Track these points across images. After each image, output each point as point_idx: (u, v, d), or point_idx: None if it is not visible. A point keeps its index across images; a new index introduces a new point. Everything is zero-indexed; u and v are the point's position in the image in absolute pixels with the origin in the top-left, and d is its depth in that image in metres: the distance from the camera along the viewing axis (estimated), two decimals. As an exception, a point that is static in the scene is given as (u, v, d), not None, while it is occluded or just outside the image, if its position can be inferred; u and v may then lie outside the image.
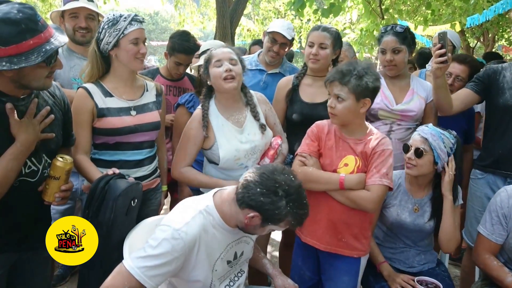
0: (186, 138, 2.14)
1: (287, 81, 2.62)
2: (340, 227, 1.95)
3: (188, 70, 3.13)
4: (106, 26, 2.02)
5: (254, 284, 2.39)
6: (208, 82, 2.14)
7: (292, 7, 4.74)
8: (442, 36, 2.29)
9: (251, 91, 2.28)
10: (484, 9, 6.49)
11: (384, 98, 2.49)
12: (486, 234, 2.04)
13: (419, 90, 2.56)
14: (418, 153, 2.05)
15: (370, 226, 2.06)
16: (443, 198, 2.08)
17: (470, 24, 7.20)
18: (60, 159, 1.65)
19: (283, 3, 10.50)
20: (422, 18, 7.58)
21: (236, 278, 1.77)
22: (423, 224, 2.12)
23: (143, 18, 2.15)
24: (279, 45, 2.96)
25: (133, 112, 2.10)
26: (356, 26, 9.35)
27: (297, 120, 2.45)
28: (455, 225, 2.06)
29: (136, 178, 2.03)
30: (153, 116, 2.17)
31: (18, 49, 1.39)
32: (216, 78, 2.06)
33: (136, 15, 2.08)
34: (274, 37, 2.96)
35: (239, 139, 2.11)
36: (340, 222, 1.95)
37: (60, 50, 2.51)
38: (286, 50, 3.05)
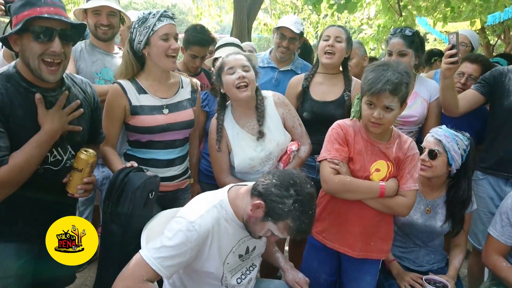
0: (213, 149, 2.18)
1: (298, 79, 2.66)
2: (370, 232, 1.95)
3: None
4: (136, 26, 2.05)
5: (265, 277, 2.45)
6: (222, 90, 2.15)
7: (309, 2, 4.75)
8: (454, 36, 2.28)
9: (270, 92, 2.29)
10: (505, 6, 6.36)
11: None
12: (495, 236, 2.06)
13: (422, 92, 2.56)
14: (432, 154, 2.07)
15: (393, 227, 2.07)
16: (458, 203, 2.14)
17: (490, 22, 7.08)
18: (84, 152, 1.72)
19: (300, -3, 10.45)
20: (441, 15, 7.47)
21: (247, 272, 1.83)
22: (435, 226, 2.15)
23: (173, 14, 2.13)
24: (288, 40, 3.01)
25: (165, 111, 2.11)
26: (373, 22, 9.25)
27: (307, 118, 2.48)
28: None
29: (166, 177, 2.10)
30: (186, 115, 2.17)
31: (16, 20, 1.52)
32: (229, 86, 2.07)
33: (165, 11, 2.08)
34: (283, 32, 3.01)
35: (253, 148, 2.13)
36: (371, 227, 1.95)
37: (83, 45, 2.61)
38: (296, 44, 3.09)
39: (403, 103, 1.83)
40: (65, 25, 1.55)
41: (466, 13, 7.90)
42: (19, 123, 1.55)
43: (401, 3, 6.66)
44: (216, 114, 2.21)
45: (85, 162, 1.72)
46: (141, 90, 2.09)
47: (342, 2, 4.89)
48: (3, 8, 2.22)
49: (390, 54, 2.53)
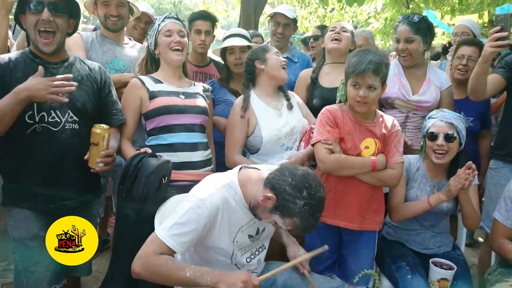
0: (232, 126, 2.31)
1: (306, 73, 2.75)
2: (364, 205, 2.09)
3: (211, 55, 3.21)
4: (148, 32, 2.29)
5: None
6: (262, 67, 2.31)
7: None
8: (503, 17, 2.12)
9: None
10: (514, -2, 6.33)
11: (401, 87, 2.54)
12: (501, 220, 2.09)
13: (434, 79, 2.60)
14: (449, 138, 2.10)
15: (383, 200, 2.19)
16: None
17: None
18: (98, 126, 1.82)
19: (307, -9, 10.46)
20: (449, 8, 7.44)
21: (257, 252, 1.88)
22: (441, 206, 2.17)
23: (177, 14, 2.32)
24: (283, 26, 3.15)
25: (181, 96, 2.20)
26: (380, 15, 9.22)
27: (317, 105, 2.53)
28: (473, 207, 2.13)
29: (192, 163, 2.16)
30: (201, 102, 2.27)
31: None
32: (277, 65, 2.32)
33: (169, 14, 2.28)
34: (276, 19, 3.15)
35: (278, 121, 2.29)
36: (365, 201, 2.09)
37: (94, 35, 2.67)
38: (290, 30, 3.21)
39: (383, 83, 2.00)
40: None
41: (474, 6, 7.85)
42: (17, 83, 1.75)
43: (408, -4, 6.66)
44: (243, 91, 2.38)
45: (99, 136, 1.80)
46: (158, 81, 2.21)
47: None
48: None
49: (397, 41, 2.57)
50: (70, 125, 1.87)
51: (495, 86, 2.49)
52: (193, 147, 2.19)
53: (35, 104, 1.80)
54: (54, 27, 1.82)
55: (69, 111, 1.88)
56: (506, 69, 2.50)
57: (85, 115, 1.92)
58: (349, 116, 2.07)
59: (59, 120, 1.85)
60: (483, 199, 2.75)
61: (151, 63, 2.32)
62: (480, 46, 2.92)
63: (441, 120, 2.14)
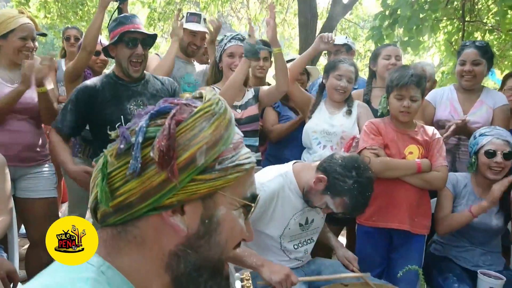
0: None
1: (357, 94, 2.90)
2: (413, 207, 2.16)
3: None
4: (216, 45, 2.64)
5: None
6: (324, 81, 2.58)
7: (372, 40, 5.03)
8: None
9: (356, 100, 2.65)
10: None
11: (452, 111, 2.61)
12: None
13: (488, 100, 2.60)
14: (507, 155, 2.12)
15: (430, 205, 2.27)
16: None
17: None
18: None
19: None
20: (509, 62, 7.36)
21: (305, 243, 1.98)
22: (490, 223, 2.17)
23: (243, 37, 2.58)
24: (333, 53, 3.41)
25: (238, 110, 2.52)
26: (438, 69, 9.28)
27: None
28: None
29: None
30: (253, 110, 2.57)
31: (112, 35, 2.17)
32: (331, 87, 2.52)
33: (237, 34, 2.58)
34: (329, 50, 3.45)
35: (322, 119, 2.49)
36: (414, 203, 2.15)
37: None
38: (344, 54, 3.39)
39: (423, 95, 2.18)
40: (144, 35, 2.16)
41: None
42: (106, 100, 2.14)
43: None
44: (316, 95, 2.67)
45: None
46: None
47: (405, 39, 5.11)
48: None
49: (463, 63, 2.57)
50: None
51: None
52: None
53: (121, 116, 2.13)
54: (142, 58, 2.19)
55: None
56: None
57: None
58: (391, 126, 2.21)
59: None
60: None
61: (217, 70, 2.65)
62: None
63: (498, 138, 2.14)
